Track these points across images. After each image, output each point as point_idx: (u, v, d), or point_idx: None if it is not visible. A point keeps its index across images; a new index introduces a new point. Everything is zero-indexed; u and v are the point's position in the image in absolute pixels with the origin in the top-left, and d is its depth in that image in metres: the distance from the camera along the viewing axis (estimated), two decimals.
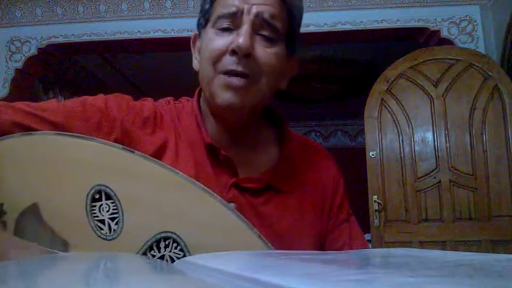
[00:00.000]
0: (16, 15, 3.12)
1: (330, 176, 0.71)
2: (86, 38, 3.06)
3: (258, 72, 0.61)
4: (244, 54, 0.59)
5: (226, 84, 0.60)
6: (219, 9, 0.62)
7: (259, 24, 0.61)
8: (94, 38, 3.06)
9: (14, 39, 3.10)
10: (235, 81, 0.59)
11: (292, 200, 0.66)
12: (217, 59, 0.61)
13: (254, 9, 0.60)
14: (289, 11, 0.64)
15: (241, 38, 0.59)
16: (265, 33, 0.61)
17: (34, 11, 3.10)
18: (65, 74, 4.27)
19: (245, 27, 0.60)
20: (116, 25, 3.05)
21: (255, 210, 0.63)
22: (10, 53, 3.09)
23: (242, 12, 0.60)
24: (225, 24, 0.61)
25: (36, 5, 3.09)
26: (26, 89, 3.25)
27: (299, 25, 0.67)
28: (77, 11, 3.07)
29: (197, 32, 0.69)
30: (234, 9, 0.60)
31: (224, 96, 0.60)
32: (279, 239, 0.60)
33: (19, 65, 3.08)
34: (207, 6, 0.65)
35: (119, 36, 3.05)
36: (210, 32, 0.63)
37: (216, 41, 0.61)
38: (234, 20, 0.61)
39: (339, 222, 0.69)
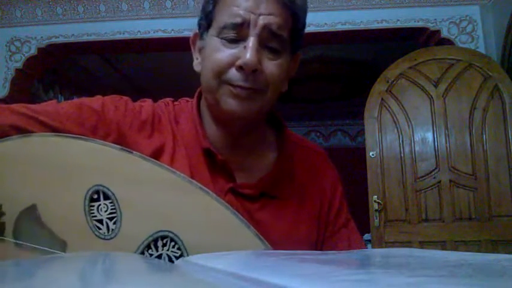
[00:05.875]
0: (16, 15, 3.12)
1: (328, 181, 0.71)
2: (86, 38, 3.06)
3: (264, 84, 0.60)
4: (252, 70, 0.58)
5: (232, 94, 0.59)
6: (224, 18, 0.59)
7: (266, 36, 0.58)
8: (94, 38, 3.06)
9: (14, 39, 3.10)
10: (242, 92, 0.59)
11: (289, 206, 0.66)
12: (222, 72, 0.59)
13: (261, 21, 0.57)
14: (295, 14, 0.61)
15: (248, 53, 0.57)
16: (272, 45, 0.59)
17: (34, 11, 3.10)
18: (65, 74, 4.27)
19: (252, 42, 0.57)
20: (116, 25, 3.05)
21: (250, 216, 0.62)
22: (10, 53, 3.09)
23: (249, 24, 0.58)
24: (230, 35, 0.59)
25: (36, 5, 3.09)
26: (26, 89, 3.24)
27: (304, 26, 0.65)
28: (77, 11, 3.07)
29: (197, 31, 0.66)
30: (239, 19, 0.58)
31: (229, 104, 0.60)
32: (273, 246, 0.60)
33: (19, 65, 3.08)
34: (209, 7, 0.62)
35: (118, 36, 3.05)
36: (214, 40, 0.61)
37: (221, 52, 0.59)
38: (240, 30, 0.58)
39: (337, 228, 0.69)
